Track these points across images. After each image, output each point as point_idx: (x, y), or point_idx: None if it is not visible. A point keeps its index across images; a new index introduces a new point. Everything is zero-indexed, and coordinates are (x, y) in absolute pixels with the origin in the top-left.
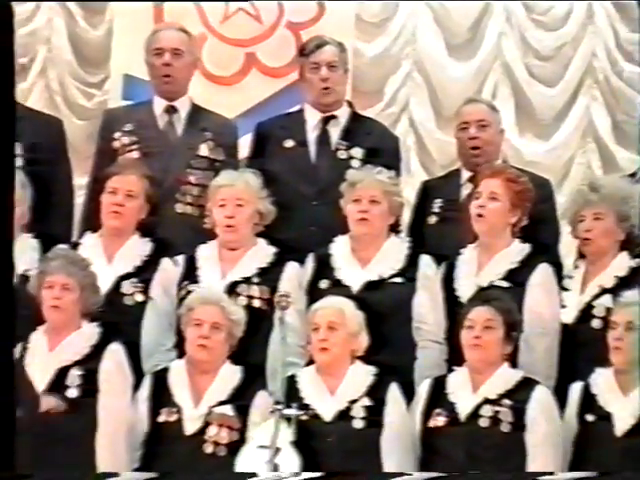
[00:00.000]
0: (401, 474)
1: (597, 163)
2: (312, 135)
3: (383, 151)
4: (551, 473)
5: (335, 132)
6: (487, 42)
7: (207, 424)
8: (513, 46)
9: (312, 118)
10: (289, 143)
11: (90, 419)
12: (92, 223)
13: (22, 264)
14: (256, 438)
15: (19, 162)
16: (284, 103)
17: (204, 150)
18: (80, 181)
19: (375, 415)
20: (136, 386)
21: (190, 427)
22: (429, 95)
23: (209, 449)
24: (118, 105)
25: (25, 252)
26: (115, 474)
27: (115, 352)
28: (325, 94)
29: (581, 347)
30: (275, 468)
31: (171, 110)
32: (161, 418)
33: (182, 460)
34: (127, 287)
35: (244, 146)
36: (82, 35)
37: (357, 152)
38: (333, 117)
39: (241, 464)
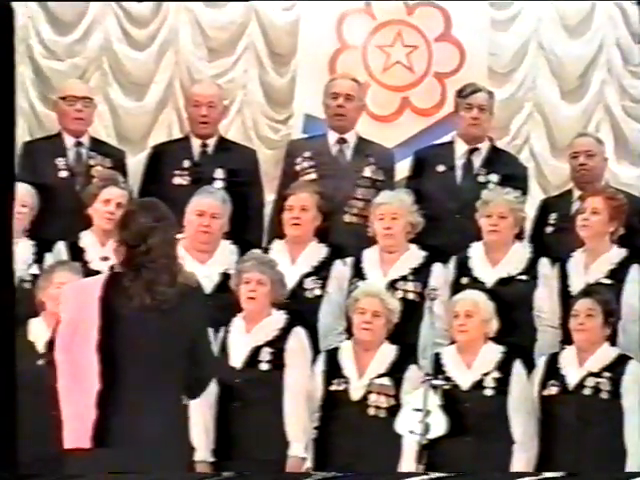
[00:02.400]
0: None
1: None
2: (459, 162)
3: (514, 177)
4: None
5: (477, 160)
6: (592, 88)
7: (369, 392)
8: (613, 91)
9: (460, 148)
10: (440, 168)
11: (278, 388)
12: (278, 232)
13: (222, 266)
14: (410, 403)
15: (222, 184)
16: (430, 137)
17: (368, 172)
18: (269, 198)
19: (503, 385)
20: (313, 361)
21: (355, 395)
22: (546, 130)
23: (371, 412)
24: (299, 137)
25: (226, 255)
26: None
27: (298, 334)
28: (473, 128)
29: None
30: (426, 427)
31: (342, 141)
32: (333, 387)
33: (349, 421)
34: (308, 283)
35: (400, 169)
36: (271, 82)
37: (493, 177)
38: (477, 149)
39: (398, 424)
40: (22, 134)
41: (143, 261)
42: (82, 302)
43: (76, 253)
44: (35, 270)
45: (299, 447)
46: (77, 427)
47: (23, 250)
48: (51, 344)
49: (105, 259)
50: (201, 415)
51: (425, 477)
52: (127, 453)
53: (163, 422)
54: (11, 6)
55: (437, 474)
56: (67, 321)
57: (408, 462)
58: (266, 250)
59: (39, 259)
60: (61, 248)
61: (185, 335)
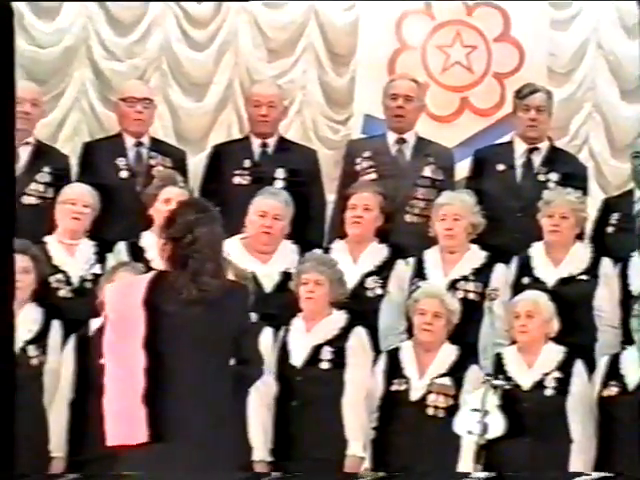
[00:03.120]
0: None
1: None
2: (519, 161)
3: (574, 176)
4: None
5: (537, 160)
6: None
7: (428, 392)
8: None
9: (520, 148)
10: (500, 167)
11: (337, 387)
12: (339, 232)
13: (283, 265)
14: (469, 403)
15: (282, 184)
16: (489, 137)
17: (427, 172)
18: (329, 198)
19: (563, 385)
20: (374, 361)
21: (415, 395)
22: (605, 131)
23: (430, 412)
24: (358, 137)
25: (286, 255)
26: None
27: (359, 333)
28: (531, 130)
29: None
30: (485, 427)
31: (401, 141)
32: (393, 387)
33: (408, 421)
34: (369, 283)
35: (459, 169)
36: (330, 82)
37: (553, 176)
38: (536, 148)
39: (457, 424)
40: (82, 135)
41: (189, 252)
42: (127, 301)
43: (137, 253)
44: (97, 270)
45: (358, 446)
46: (121, 425)
47: (85, 250)
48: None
49: None
50: (260, 414)
51: (482, 477)
52: (175, 450)
53: (211, 419)
54: (11, 6)
55: (494, 474)
56: (112, 320)
57: (466, 462)
58: (327, 250)
59: (100, 259)
60: (122, 248)
61: (229, 332)
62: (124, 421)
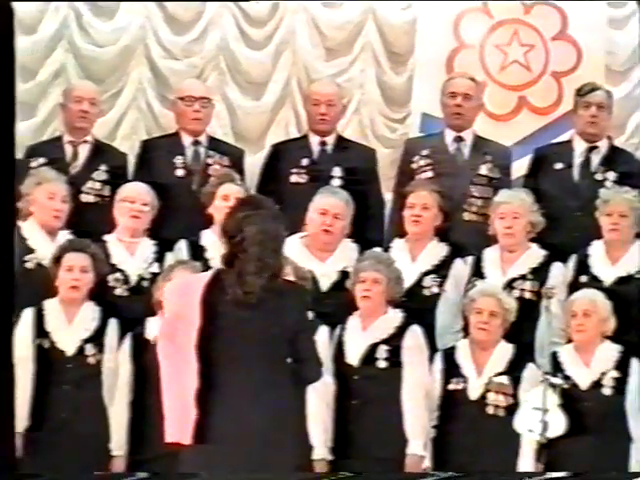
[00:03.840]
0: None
1: None
2: (577, 160)
3: (633, 175)
4: None
5: (596, 158)
6: None
7: (487, 391)
8: None
9: (579, 146)
10: (559, 165)
11: (395, 385)
12: (398, 230)
13: (342, 264)
14: (529, 402)
15: (340, 182)
16: (547, 135)
17: (484, 170)
18: (386, 196)
19: (621, 384)
20: (430, 359)
21: (473, 394)
22: None
23: (490, 411)
24: (416, 136)
25: (346, 254)
26: None
27: (415, 332)
28: (591, 127)
29: None
30: (545, 426)
31: (459, 139)
32: (451, 386)
33: (468, 420)
34: (427, 281)
35: (517, 168)
36: (388, 81)
37: (611, 175)
38: (595, 147)
39: (518, 423)
40: (140, 133)
41: (237, 251)
42: (185, 299)
43: (197, 252)
44: (155, 269)
45: (418, 445)
46: (178, 422)
47: (144, 249)
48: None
49: None
50: (319, 413)
51: (543, 477)
52: (229, 451)
53: (266, 420)
54: (11, 6)
55: (556, 474)
56: (170, 318)
57: (527, 461)
58: (387, 249)
59: (159, 258)
60: (182, 247)
61: (284, 333)
62: (179, 420)
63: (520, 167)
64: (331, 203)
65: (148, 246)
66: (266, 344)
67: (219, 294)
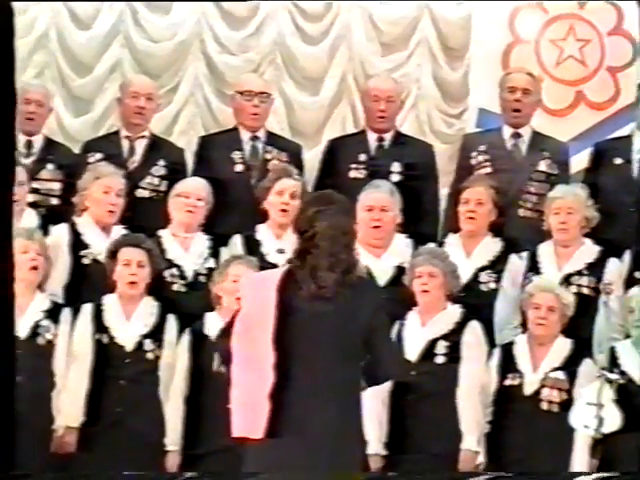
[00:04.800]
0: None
1: None
2: (637, 156)
3: None
4: None
5: None
6: None
7: (542, 386)
8: None
9: (638, 142)
10: (618, 160)
11: (452, 381)
12: (453, 226)
13: (397, 259)
14: (584, 397)
15: (398, 178)
16: (604, 131)
17: (542, 166)
18: (443, 192)
19: None
20: (488, 355)
21: (529, 389)
22: None
23: (544, 406)
24: (474, 131)
25: (401, 249)
26: None
27: (475, 328)
28: None
29: None
30: (601, 421)
31: (516, 135)
32: (507, 382)
33: (522, 415)
34: (483, 277)
35: (574, 163)
36: (445, 76)
37: None
38: None
39: (573, 418)
40: (197, 129)
41: (308, 246)
42: (260, 294)
43: (252, 247)
44: (211, 264)
45: (472, 440)
46: (248, 417)
47: (199, 244)
48: (224, 333)
49: (281, 252)
50: (375, 408)
51: (596, 476)
52: (298, 447)
53: (339, 417)
54: (11, 6)
55: (609, 474)
56: (245, 312)
57: (581, 457)
58: (441, 244)
59: (214, 253)
60: (237, 242)
61: (360, 330)
62: (249, 414)
63: (577, 163)
64: (375, 198)
65: (202, 241)
66: (341, 339)
67: (293, 289)
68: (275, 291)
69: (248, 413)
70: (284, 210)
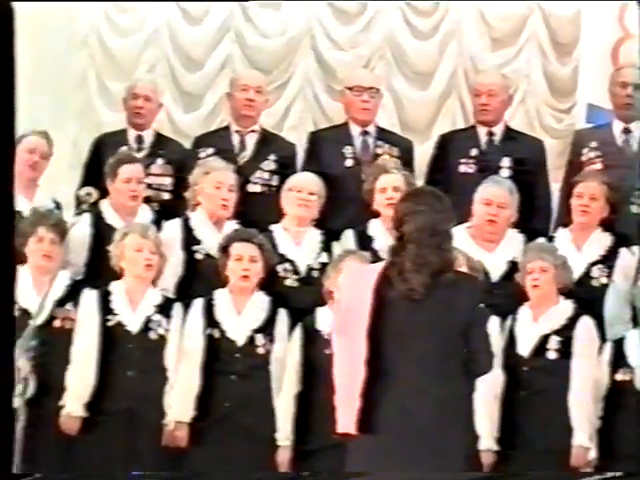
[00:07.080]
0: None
1: None
2: None
3: None
4: None
5: None
6: None
7: None
8: None
9: None
10: None
11: (564, 376)
12: (564, 220)
13: (509, 254)
14: None
15: (508, 173)
16: None
17: None
18: (554, 187)
19: None
20: (599, 350)
21: None
22: None
23: None
24: (584, 127)
25: (512, 244)
26: None
27: (587, 323)
28: None
29: None
30: None
31: (627, 131)
32: (618, 377)
33: (634, 411)
34: (595, 272)
35: None
36: (554, 71)
37: None
38: None
39: None
40: (307, 124)
41: (398, 247)
42: (358, 289)
43: (364, 242)
44: (324, 259)
45: (584, 436)
46: (347, 413)
47: (311, 239)
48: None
49: None
50: (487, 404)
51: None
52: (397, 443)
53: (435, 412)
54: (11, 6)
55: (611, 474)
56: (344, 305)
57: None
58: (551, 239)
59: (326, 248)
60: (349, 237)
61: (456, 325)
62: (348, 410)
63: None
64: (495, 193)
65: (314, 236)
66: (436, 335)
67: (389, 285)
68: (373, 286)
69: (347, 409)
70: (389, 204)
